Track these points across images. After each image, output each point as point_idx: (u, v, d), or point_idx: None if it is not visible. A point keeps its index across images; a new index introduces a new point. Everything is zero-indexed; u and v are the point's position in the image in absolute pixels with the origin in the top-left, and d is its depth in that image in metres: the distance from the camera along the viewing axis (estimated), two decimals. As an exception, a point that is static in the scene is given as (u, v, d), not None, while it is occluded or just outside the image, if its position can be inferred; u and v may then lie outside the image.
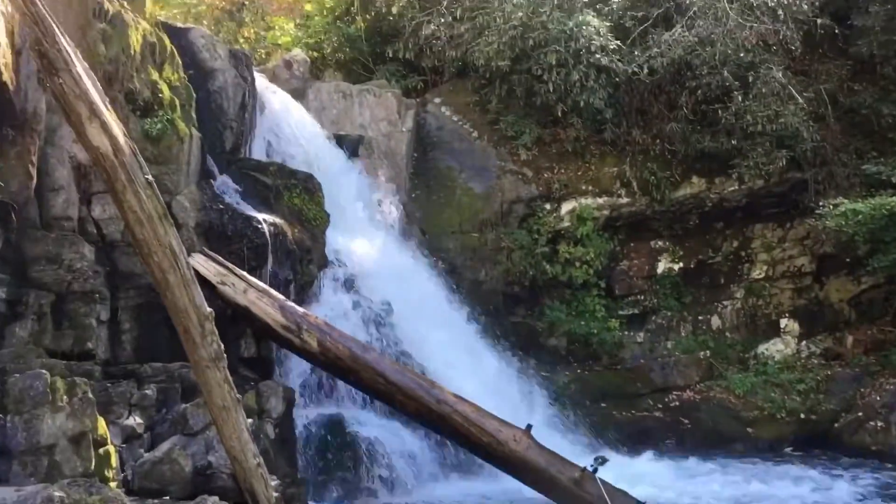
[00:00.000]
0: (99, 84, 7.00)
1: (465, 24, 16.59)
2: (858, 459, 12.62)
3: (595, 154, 15.99)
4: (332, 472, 10.01)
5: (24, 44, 8.61)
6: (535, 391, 13.44)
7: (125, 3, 10.54)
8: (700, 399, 14.39)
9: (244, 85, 12.94)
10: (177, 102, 11.02)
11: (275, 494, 7.28)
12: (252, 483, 7.03)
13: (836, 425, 13.71)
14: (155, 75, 10.84)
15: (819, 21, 15.08)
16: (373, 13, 18.62)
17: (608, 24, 15.70)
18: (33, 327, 8.71)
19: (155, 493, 7.81)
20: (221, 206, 10.96)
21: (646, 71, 15.18)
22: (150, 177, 6.80)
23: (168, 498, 7.77)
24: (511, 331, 14.54)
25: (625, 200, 15.76)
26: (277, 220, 11.35)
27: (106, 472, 7.57)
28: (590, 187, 15.70)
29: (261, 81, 14.08)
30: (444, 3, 17.18)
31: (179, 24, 14.28)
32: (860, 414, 13.46)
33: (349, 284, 12.48)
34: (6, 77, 8.29)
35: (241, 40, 20.99)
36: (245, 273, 9.81)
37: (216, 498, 6.95)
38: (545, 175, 15.73)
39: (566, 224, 15.56)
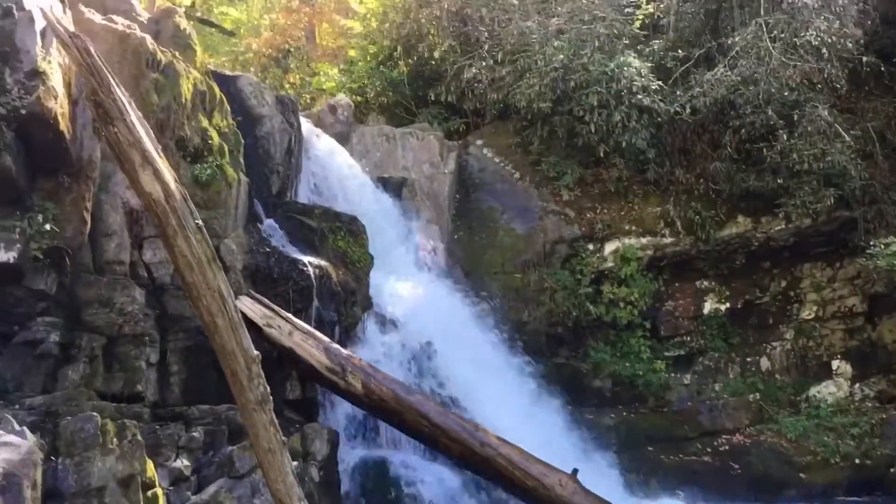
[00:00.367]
0: (151, 132, 7.18)
1: (507, 66, 16.78)
2: (916, 506, 12.25)
3: (638, 194, 15.95)
4: (376, 515, 9.97)
5: (81, 94, 8.91)
6: (581, 434, 13.26)
7: (177, 54, 10.87)
8: (750, 443, 14.07)
9: (290, 130, 13.20)
10: (226, 148, 11.27)
11: (320, 538, 7.25)
12: (297, 527, 7.00)
13: (892, 470, 13.39)
14: (205, 122, 11.10)
15: (864, 59, 14.94)
16: (415, 58, 18.92)
17: (649, 64, 15.78)
18: (85, 370, 8.83)
19: (201, 535, 7.84)
20: (268, 250, 11.11)
21: (688, 110, 15.16)
22: (199, 222, 6.92)
23: (214, 541, 7.79)
24: (555, 372, 14.40)
25: (669, 240, 15.66)
26: (322, 263, 11.47)
27: (153, 515, 7.63)
28: (633, 227, 15.65)
29: (306, 126, 14.36)
30: (486, 46, 17.44)
31: (228, 72, 14.69)
32: (917, 459, 13.09)
33: (393, 326, 12.51)
34: (63, 126, 8.56)
35: (287, 86, 21.52)
36: (290, 315, 9.92)
37: (262, 541, 6.95)
38: (588, 215, 15.71)
39: (610, 264, 15.49)
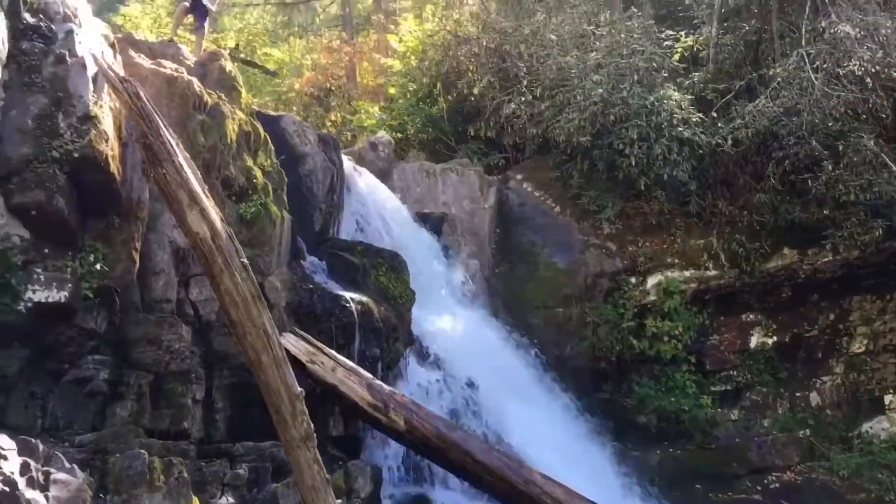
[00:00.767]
0: (198, 172, 7.35)
1: (545, 101, 16.86)
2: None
3: (680, 226, 15.80)
4: (418, 553, 9.90)
5: (131, 136, 9.17)
6: (626, 471, 13.04)
7: (223, 95, 11.13)
8: (802, 481, 13.67)
9: (332, 168, 13.39)
10: (269, 187, 11.45)
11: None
12: (342, 565, 6.99)
13: (950, 509, 12.88)
14: (249, 161, 11.31)
15: (910, 88, 14.74)
16: (454, 94, 19.11)
17: (689, 97, 15.73)
18: (132, 407, 8.97)
19: (246, 573, 7.85)
20: (311, 286, 11.22)
21: (730, 142, 15.05)
22: (245, 260, 7.04)
23: (258, 579, 7.79)
24: (598, 407, 14.23)
25: (713, 273, 15.47)
26: (364, 299, 11.53)
27: (199, 552, 7.67)
28: (676, 260, 15.51)
29: (348, 163, 14.55)
30: (524, 82, 17.56)
31: (271, 112, 14.99)
32: (977, 497, 12.63)
33: (435, 362, 12.50)
34: (114, 168, 8.80)
35: (329, 124, 21.86)
36: (333, 352, 9.94)
37: (306, 580, 6.92)
38: (629, 248, 15.61)
39: (652, 298, 15.33)
